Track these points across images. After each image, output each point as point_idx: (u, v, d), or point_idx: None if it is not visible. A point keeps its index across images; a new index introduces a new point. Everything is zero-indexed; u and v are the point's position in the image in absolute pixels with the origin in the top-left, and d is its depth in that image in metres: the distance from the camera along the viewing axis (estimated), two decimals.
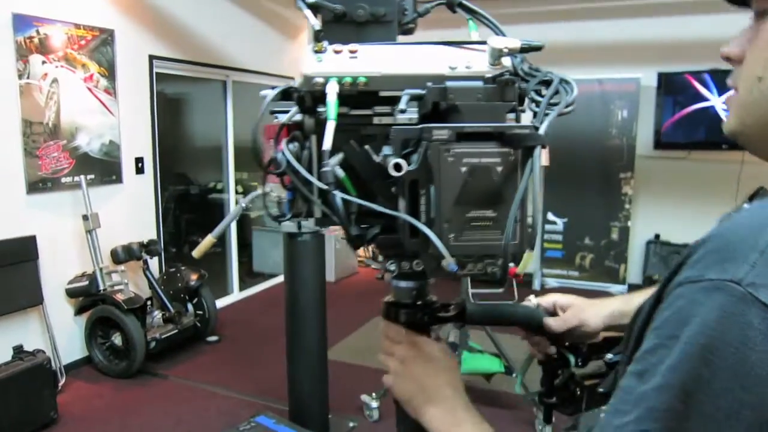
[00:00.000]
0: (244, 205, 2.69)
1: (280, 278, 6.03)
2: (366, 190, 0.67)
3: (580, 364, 0.89)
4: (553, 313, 0.92)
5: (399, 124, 0.66)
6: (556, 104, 0.67)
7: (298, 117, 0.74)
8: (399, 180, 0.62)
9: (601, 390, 0.79)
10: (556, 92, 0.68)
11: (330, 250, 5.91)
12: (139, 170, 4.22)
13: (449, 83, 0.67)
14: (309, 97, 0.70)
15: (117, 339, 3.61)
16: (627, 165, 5.29)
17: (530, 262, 0.63)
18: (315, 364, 2.86)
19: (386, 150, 0.65)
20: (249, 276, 5.82)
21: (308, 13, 0.74)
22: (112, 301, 3.53)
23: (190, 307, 4.11)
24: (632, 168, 5.28)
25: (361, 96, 0.69)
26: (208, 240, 2.71)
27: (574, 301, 0.92)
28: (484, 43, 0.70)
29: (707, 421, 0.44)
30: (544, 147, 0.61)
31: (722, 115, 4.09)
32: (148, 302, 3.87)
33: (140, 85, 4.19)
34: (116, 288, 3.64)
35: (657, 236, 5.41)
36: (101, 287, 3.59)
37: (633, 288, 5.09)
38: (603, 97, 5.25)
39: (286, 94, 0.76)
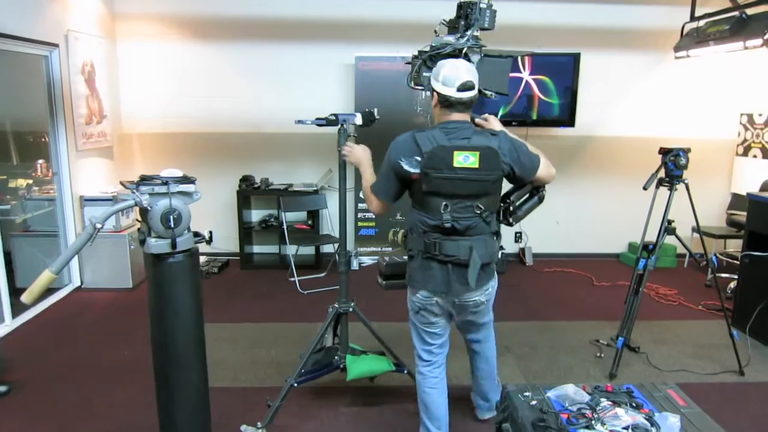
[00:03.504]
0: (100, 225, 2.07)
1: (63, 292, 4.91)
2: None
3: None
4: None
5: None
6: None
7: None
8: None
9: None
10: None
11: (124, 253, 5.09)
12: None
13: None
14: None
15: None
16: None
17: None
18: (197, 401, 2.42)
19: None
20: (16, 295, 4.60)
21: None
22: None
23: None
24: None
25: None
26: (46, 277, 2.03)
27: None
28: None
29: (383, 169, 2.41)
30: None
31: None
32: None
33: None
34: None
35: None
36: None
37: None
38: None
39: None
